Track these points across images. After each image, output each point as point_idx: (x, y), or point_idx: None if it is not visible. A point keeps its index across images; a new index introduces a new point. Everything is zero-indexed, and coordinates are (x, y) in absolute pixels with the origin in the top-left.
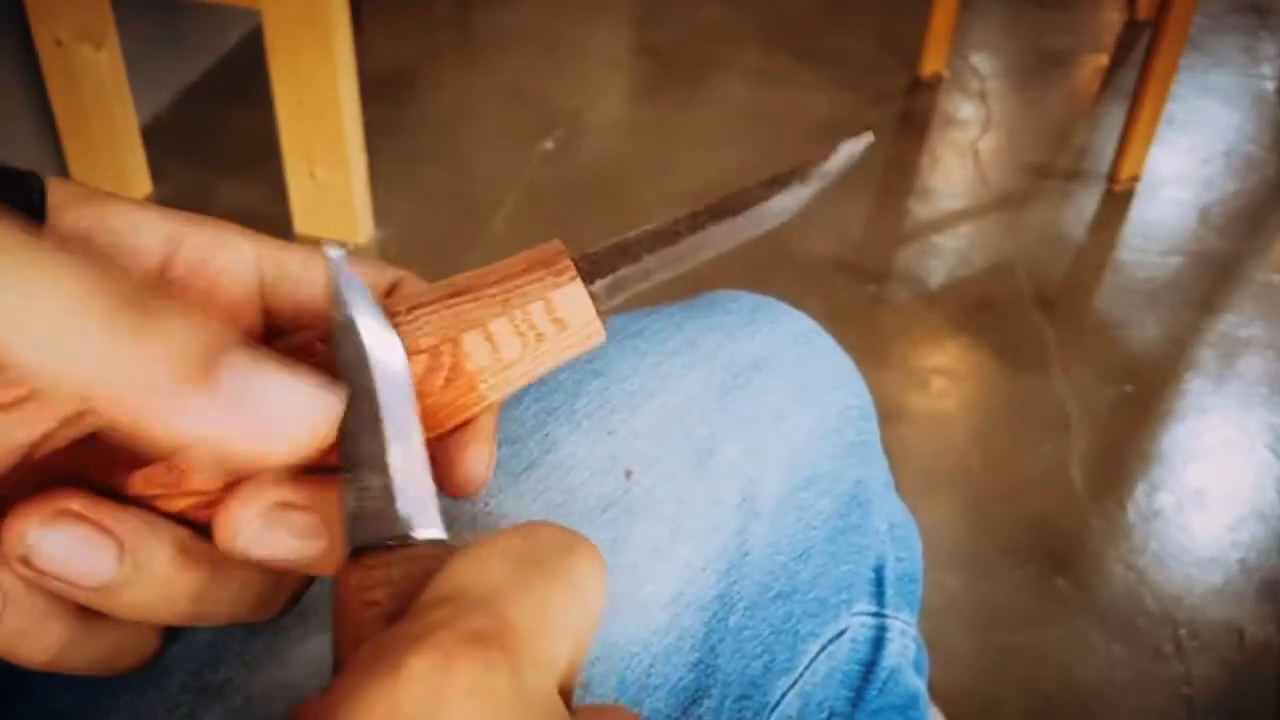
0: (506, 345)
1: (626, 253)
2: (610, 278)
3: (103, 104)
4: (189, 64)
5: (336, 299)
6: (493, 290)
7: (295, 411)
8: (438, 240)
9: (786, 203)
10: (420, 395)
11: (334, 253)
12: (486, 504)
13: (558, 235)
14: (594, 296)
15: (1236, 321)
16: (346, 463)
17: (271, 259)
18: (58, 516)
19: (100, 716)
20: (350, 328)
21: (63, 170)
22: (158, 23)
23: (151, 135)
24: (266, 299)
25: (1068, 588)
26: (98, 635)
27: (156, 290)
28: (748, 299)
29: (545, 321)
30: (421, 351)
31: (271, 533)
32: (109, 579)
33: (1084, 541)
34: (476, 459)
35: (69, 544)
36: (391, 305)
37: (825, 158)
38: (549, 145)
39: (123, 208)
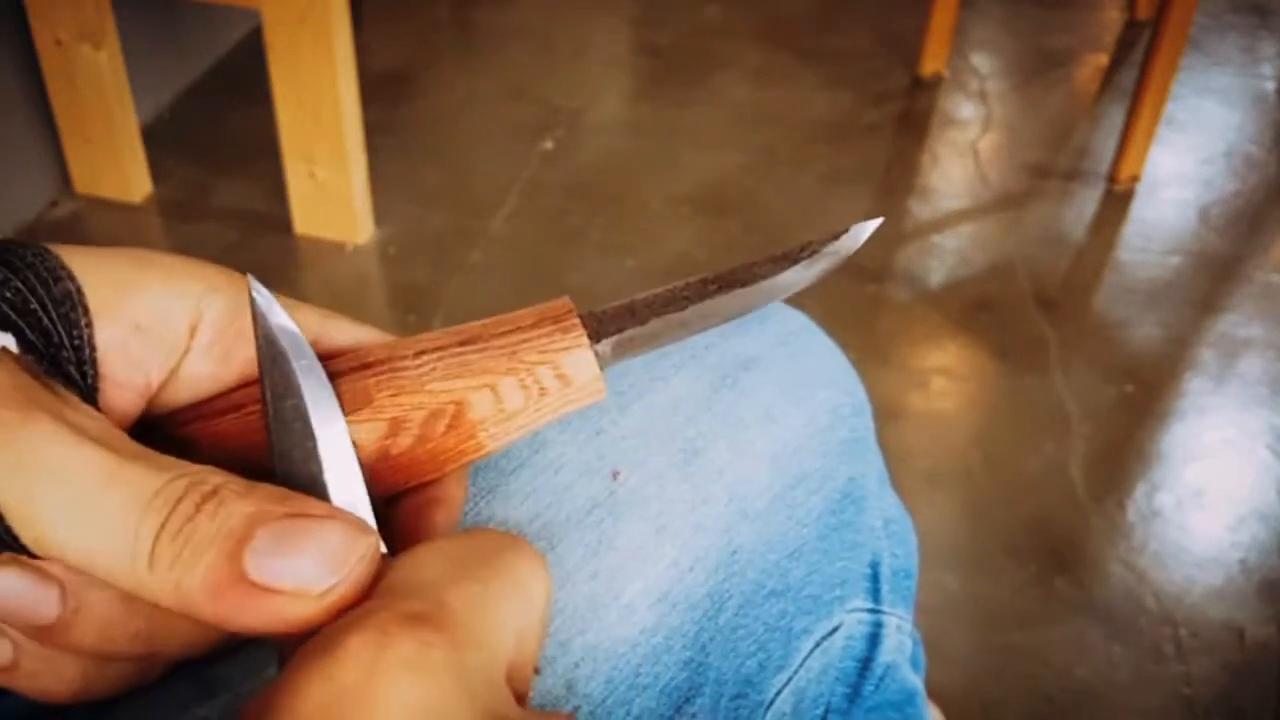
0: (510, 397)
1: (634, 315)
2: (616, 338)
3: (103, 104)
4: (189, 64)
5: (258, 323)
6: (501, 342)
7: (316, 581)
8: (438, 240)
9: (795, 279)
10: (421, 440)
11: (250, 279)
12: (475, 505)
13: (557, 235)
14: (598, 355)
15: (1236, 321)
16: (281, 477)
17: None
18: (2, 564)
19: (98, 709)
20: (271, 344)
21: (63, 170)
22: (158, 23)
23: (151, 135)
24: None
25: (1068, 588)
26: (113, 664)
27: (174, 483)
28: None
29: (550, 378)
30: (422, 408)
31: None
32: (51, 619)
33: (1084, 541)
34: (449, 509)
35: (11, 586)
36: (401, 348)
37: (836, 237)
38: (549, 145)
39: (150, 295)
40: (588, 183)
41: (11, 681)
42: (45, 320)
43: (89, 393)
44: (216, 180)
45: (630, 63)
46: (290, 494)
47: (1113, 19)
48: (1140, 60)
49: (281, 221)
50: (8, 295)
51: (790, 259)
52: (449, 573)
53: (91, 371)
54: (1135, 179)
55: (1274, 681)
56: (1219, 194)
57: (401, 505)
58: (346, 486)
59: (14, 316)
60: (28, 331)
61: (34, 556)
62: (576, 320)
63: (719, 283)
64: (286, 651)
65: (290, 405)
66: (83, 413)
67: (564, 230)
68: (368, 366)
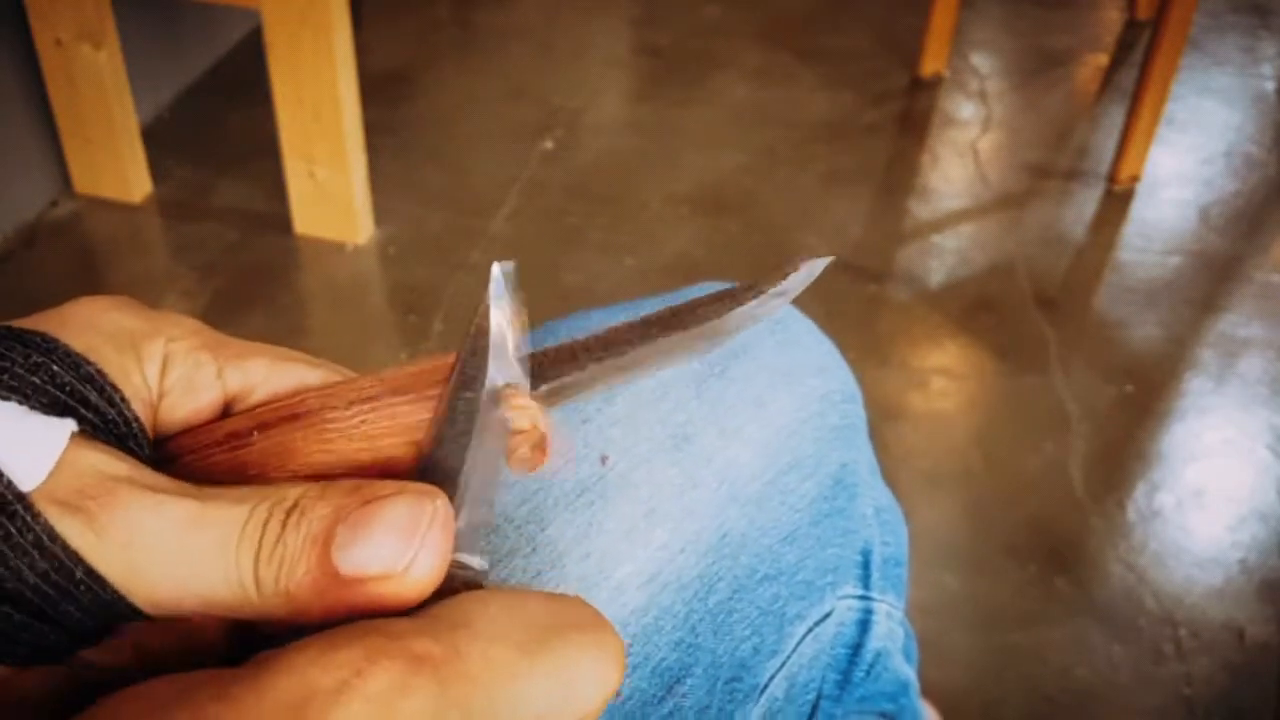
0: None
1: (575, 358)
2: (555, 383)
3: (103, 104)
4: (189, 64)
5: (481, 310)
6: (433, 393)
7: (395, 560)
8: (438, 240)
9: (739, 321)
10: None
11: (501, 267)
12: None
13: (557, 235)
14: (535, 400)
15: (1236, 321)
16: (425, 463)
17: (232, 373)
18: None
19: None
20: (479, 337)
21: (63, 170)
22: (158, 23)
23: (151, 135)
24: (230, 405)
25: (1068, 588)
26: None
27: (260, 508)
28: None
29: None
30: (349, 463)
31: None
32: None
33: (1084, 541)
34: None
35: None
36: (335, 398)
37: (784, 276)
38: (549, 145)
39: (183, 369)
40: (588, 183)
41: None
42: (92, 400)
43: (147, 463)
44: (216, 180)
45: (630, 63)
46: (363, 483)
47: (1113, 19)
48: (1140, 60)
49: (281, 221)
50: (49, 380)
51: (735, 300)
52: (499, 627)
53: (146, 441)
54: (1135, 179)
55: (1274, 681)
56: (1219, 194)
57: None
58: (481, 489)
59: (64, 398)
60: (83, 410)
61: (152, 619)
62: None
63: (660, 326)
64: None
65: (466, 398)
66: (151, 474)
67: (564, 230)
68: (297, 417)
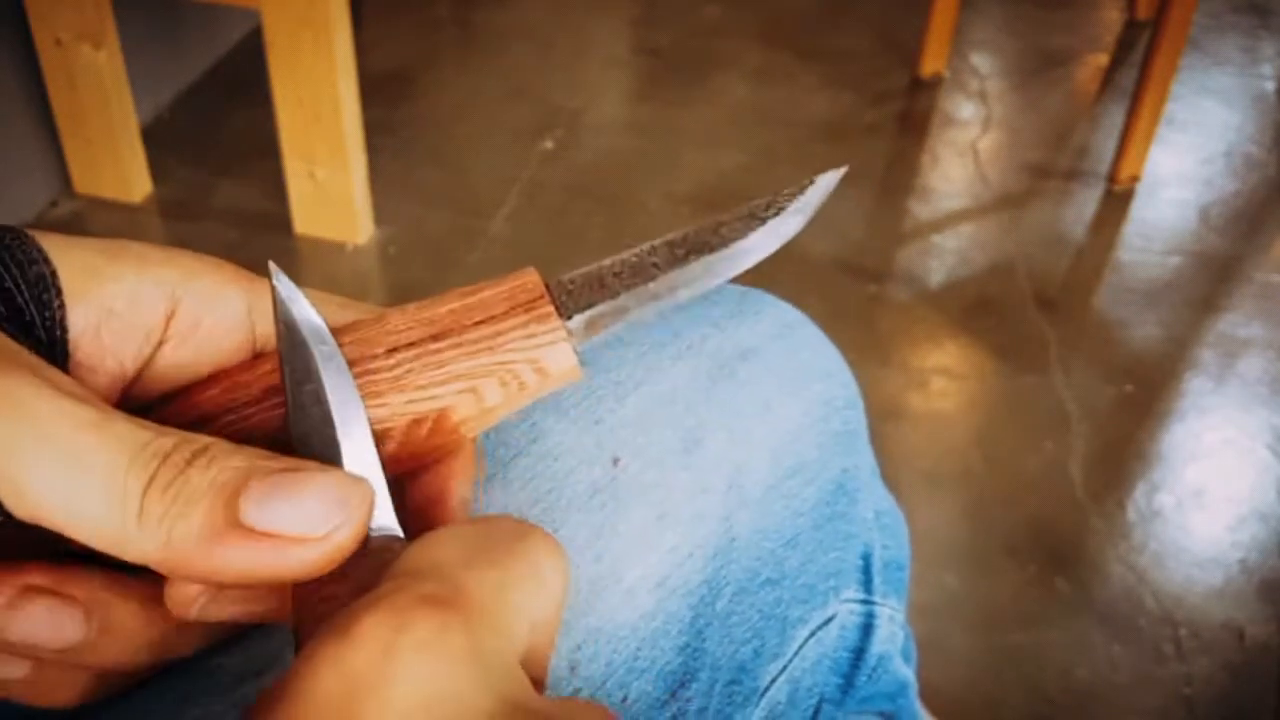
0: (490, 396)
1: (603, 285)
2: (587, 313)
3: (103, 104)
4: (189, 64)
5: (278, 309)
6: (474, 335)
7: (319, 524)
8: (438, 240)
9: (763, 240)
10: (405, 444)
11: (272, 266)
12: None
13: (557, 235)
14: (571, 334)
15: (1236, 321)
16: (296, 448)
17: (263, 310)
18: (22, 595)
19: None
20: (292, 330)
21: (63, 170)
22: (158, 23)
23: (151, 135)
24: (260, 349)
25: (1068, 588)
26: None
27: (163, 440)
28: (734, 290)
29: (529, 373)
30: (404, 415)
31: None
32: (76, 642)
33: (1084, 541)
34: (464, 486)
35: (36, 618)
36: (370, 344)
37: (802, 190)
38: (549, 145)
39: (124, 282)
40: (588, 183)
41: (21, 696)
42: (19, 300)
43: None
44: (216, 180)
45: (630, 63)
46: (281, 456)
47: (1113, 19)
48: (1140, 60)
49: (281, 221)
50: None
51: (757, 218)
52: (466, 557)
53: (63, 353)
54: (1135, 179)
55: (1274, 681)
56: (1219, 194)
57: (414, 487)
58: (364, 472)
59: None
60: (1, 308)
61: (13, 517)
62: (550, 308)
63: (686, 246)
64: (302, 635)
65: (309, 390)
66: (60, 374)
67: (564, 230)
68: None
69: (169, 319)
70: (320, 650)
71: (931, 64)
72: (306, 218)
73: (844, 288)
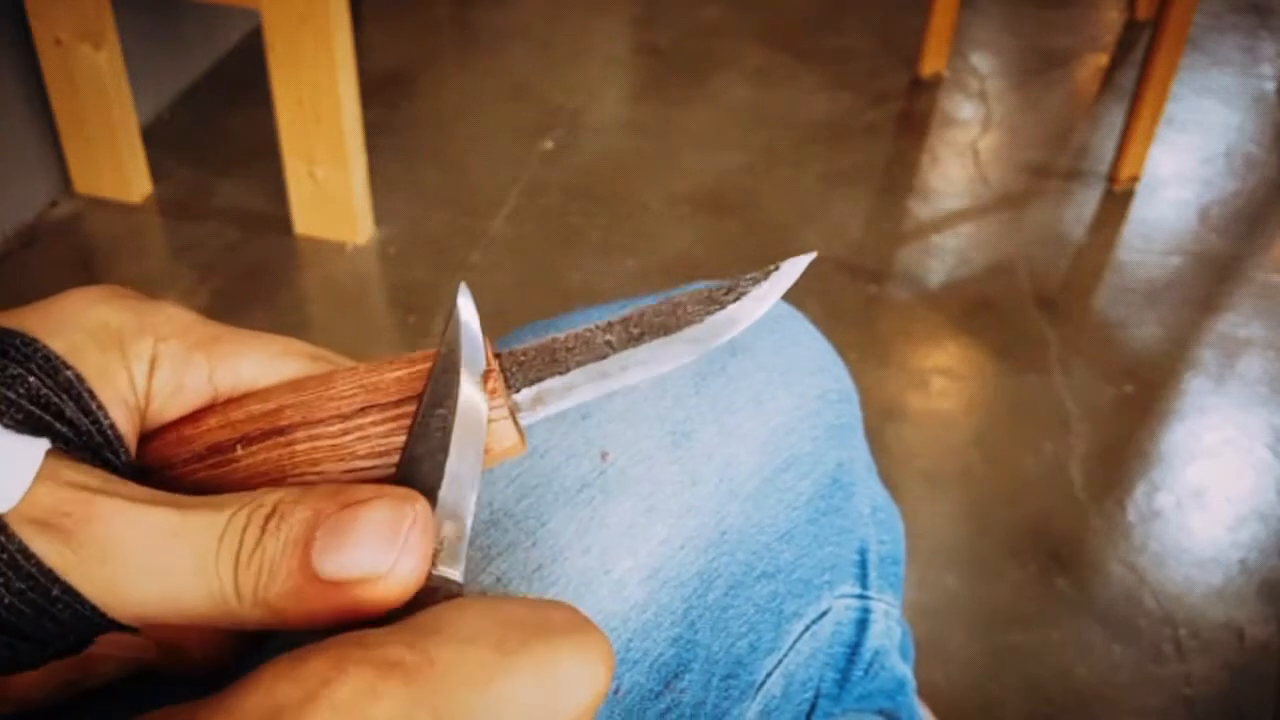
0: None
1: (554, 360)
2: (535, 388)
3: (103, 104)
4: (189, 64)
5: (450, 328)
6: (408, 410)
7: (380, 562)
8: (438, 240)
9: (723, 324)
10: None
11: (462, 285)
12: None
13: (557, 235)
14: (515, 409)
15: (1236, 321)
16: (400, 479)
17: (226, 369)
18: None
19: (100, 702)
20: (450, 354)
21: (63, 170)
22: (158, 23)
23: (151, 135)
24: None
25: (1068, 588)
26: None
27: (238, 511)
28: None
29: None
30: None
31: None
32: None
33: (1084, 541)
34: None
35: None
36: (313, 410)
37: (766, 276)
38: (549, 145)
39: (133, 373)
40: (588, 183)
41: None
42: (68, 413)
43: (125, 470)
44: (216, 180)
45: (630, 63)
46: (342, 487)
47: (1113, 19)
48: (1140, 60)
49: (281, 221)
50: (24, 393)
51: (716, 301)
52: (475, 630)
53: (123, 448)
54: (1135, 179)
55: (1274, 681)
56: (1219, 194)
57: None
58: (457, 503)
59: (38, 413)
60: (57, 425)
61: (134, 631)
62: (499, 384)
63: (642, 326)
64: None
65: (439, 415)
66: (128, 485)
67: (564, 230)
68: (280, 432)
69: (151, 372)
70: (270, 670)
71: (931, 64)
72: (306, 218)
73: (843, 288)
